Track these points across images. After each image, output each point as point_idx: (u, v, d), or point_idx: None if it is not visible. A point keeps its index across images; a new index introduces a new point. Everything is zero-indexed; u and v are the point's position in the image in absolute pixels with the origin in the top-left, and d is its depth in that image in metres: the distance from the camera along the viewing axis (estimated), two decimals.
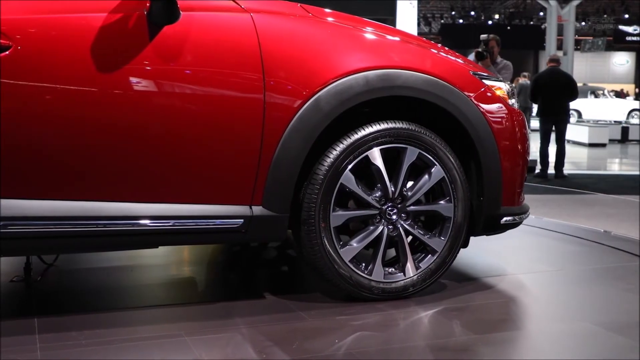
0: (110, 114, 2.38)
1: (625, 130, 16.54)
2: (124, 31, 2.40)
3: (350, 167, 2.69)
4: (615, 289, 3.11)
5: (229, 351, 2.28)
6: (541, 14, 35.44)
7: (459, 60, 3.03)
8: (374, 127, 2.73)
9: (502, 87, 3.04)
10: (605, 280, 3.27)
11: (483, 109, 2.89)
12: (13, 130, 2.26)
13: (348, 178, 2.69)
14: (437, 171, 2.83)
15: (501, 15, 41.20)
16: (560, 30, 24.78)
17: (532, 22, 40.45)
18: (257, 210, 2.59)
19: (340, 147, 2.68)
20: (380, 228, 2.78)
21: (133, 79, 2.38)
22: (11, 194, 2.29)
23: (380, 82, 2.70)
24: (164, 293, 3.04)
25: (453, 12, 39.11)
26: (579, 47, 33.62)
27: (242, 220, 2.57)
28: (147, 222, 2.46)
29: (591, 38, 36.44)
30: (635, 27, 34.29)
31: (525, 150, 3.09)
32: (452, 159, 2.85)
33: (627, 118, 21.72)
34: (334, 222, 2.70)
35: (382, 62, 2.73)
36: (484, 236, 3.07)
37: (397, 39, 2.93)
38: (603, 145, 14.53)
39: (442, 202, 2.88)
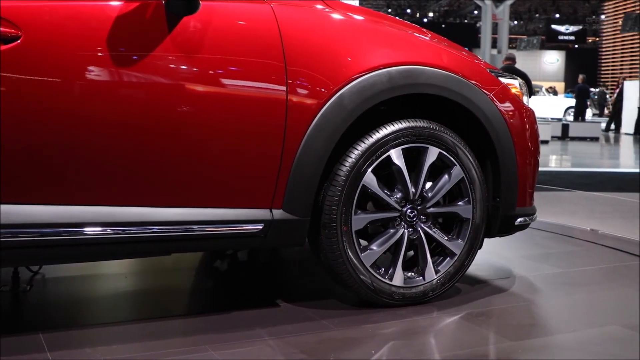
0: (123, 111, 2.19)
1: (565, 128, 16.91)
2: (142, 21, 2.21)
3: (372, 167, 2.56)
4: (629, 289, 3.08)
5: None
6: (475, 12, 36.11)
7: (476, 58, 2.95)
8: (395, 125, 2.61)
9: (515, 85, 2.97)
10: (615, 281, 3.24)
11: (501, 107, 2.81)
12: (20, 128, 2.06)
13: (370, 179, 2.56)
14: (457, 171, 2.73)
15: (435, 13, 41.84)
16: (495, 29, 25.26)
17: (466, 21, 41.21)
18: (278, 214, 2.44)
19: (362, 147, 2.55)
20: (401, 231, 2.66)
21: (150, 73, 2.20)
22: (27, 198, 2.09)
23: (403, 79, 2.58)
24: (168, 302, 2.84)
25: (389, 10, 39.39)
26: (514, 45, 34.38)
27: (262, 224, 2.42)
28: (161, 227, 2.28)
29: (525, 37, 37.30)
30: (567, 26, 35.23)
31: (537, 149, 3.03)
32: (471, 159, 2.75)
33: (564, 115, 22.22)
34: (356, 225, 2.57)
35: (404, 58, 2.61)
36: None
37: (415, 34, 2.82)
38: (546, 142, 14.77)
39: (460, 203, 2.78)
